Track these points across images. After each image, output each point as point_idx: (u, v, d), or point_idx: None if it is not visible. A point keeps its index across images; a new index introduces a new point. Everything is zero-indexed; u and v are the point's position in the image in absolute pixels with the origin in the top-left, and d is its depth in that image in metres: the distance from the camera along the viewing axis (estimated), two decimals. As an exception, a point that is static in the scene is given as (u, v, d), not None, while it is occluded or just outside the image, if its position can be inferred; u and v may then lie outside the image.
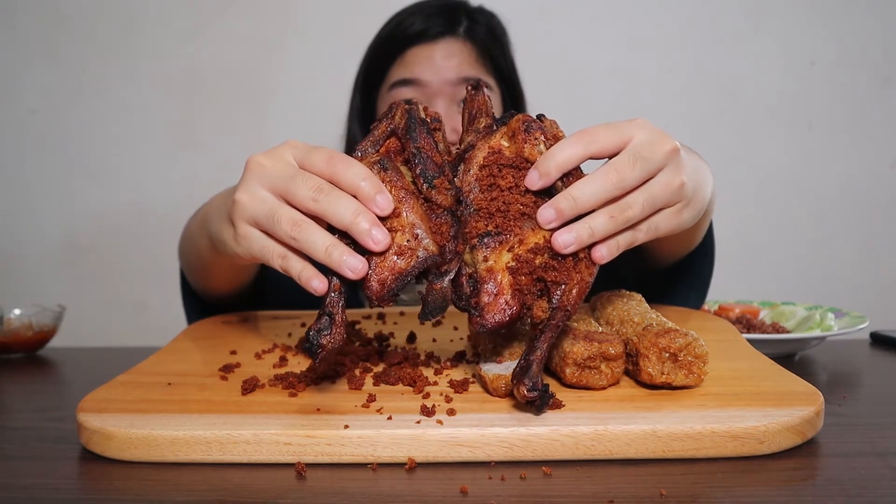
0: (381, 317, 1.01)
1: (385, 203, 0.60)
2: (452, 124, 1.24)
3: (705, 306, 1.21)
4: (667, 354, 0.63)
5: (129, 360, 0.83)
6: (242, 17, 1.92)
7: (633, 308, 0.75)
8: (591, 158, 0.63)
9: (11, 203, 1.98)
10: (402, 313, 1.03)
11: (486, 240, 0.62)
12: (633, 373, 0.67)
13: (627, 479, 0.54)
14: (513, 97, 1.34)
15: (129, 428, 0.60)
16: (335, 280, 0.61)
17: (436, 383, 0.69)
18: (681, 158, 0.64)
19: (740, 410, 0.59)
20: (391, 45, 1.26)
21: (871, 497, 0.51)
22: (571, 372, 0.64)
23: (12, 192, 1.97)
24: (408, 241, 0.60)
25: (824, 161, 1.93)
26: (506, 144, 0.66)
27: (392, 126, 0.67)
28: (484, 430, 0.57)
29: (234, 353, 0.82)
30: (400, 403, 0.64)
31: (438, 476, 0.56)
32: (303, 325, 0.97)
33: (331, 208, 0.61)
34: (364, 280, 0.60)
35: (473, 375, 0.70)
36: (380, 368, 0.74)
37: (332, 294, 0.61)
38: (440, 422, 0.59)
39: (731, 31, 1.90)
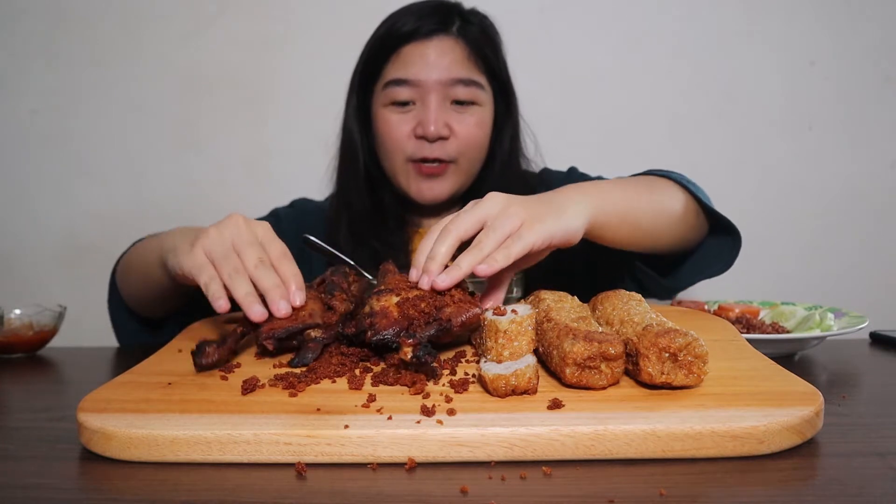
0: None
1: (300, 299, 0.81)
2: (445, 119, 1.24)
3: (706, 306, 1.22)
4: (667, 354, 0.63)
5: (129, 360, 0.84)
6: (242, 17, 1.92)
7: (633, 308, 0.75)
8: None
9: (11, 203, 1.98)
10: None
11: (378, 293, 0.78)
12: (633, 373, 0.67)
13: (627, 479, 0.54)
14: (505, 97, 1.34)
15: (129, 428, 0.60)
16: (238, 326, 0.80)
17: (436, 383, 0.69)
18: (503, 197, 0.81)
19: (740, 410, 0.59)
20: (385, 43, 1.27)
21: (871, 497, 0.51)
22: (571, 372, 0.64)
23: (12, 192, 1.97)
24: (303, 315, 0.80)
25: (824, 161, 1.93)
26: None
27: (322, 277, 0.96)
28: (484, 430, 0.57)
29: (234, 353, 0.82)
30: (400, 403, 0.64)
31: (438, 476, 0.56)
32: (303, 325, 0.97)
33: (263, 278, 0.80)
34: (261, 326, 0.78)
35: (473, 375, 0.70)
36: (379, 368, 0.74)
37: (235, 333, 0.79)
38: (440, 422, 0.59)
39: (731, 32, 1.90)
